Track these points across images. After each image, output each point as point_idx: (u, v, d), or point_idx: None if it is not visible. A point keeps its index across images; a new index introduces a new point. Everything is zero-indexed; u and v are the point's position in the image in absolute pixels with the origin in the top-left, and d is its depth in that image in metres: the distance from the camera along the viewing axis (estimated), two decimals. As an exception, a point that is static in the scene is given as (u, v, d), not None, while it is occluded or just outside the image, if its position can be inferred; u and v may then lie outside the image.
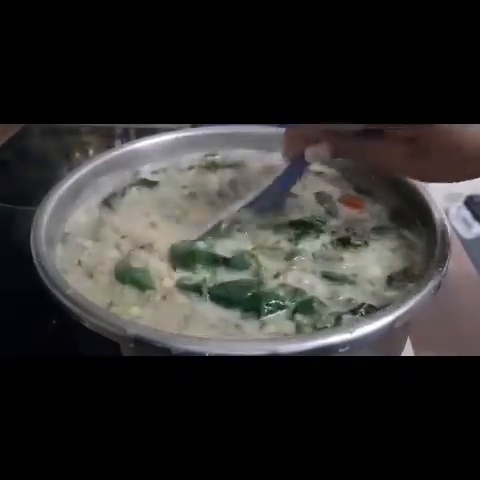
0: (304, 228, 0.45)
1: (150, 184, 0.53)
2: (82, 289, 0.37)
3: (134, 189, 0.52)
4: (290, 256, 0.43)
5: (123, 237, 0.45)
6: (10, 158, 0.86)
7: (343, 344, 0.32)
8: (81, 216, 0.49)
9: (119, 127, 0.89)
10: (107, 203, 0.50)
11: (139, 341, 0.32)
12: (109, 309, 0.38)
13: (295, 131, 0.46)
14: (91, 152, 0.86)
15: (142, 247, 0.44)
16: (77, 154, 0.87)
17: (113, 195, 0.51)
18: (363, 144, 0.42)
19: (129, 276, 0.40)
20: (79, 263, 0.43)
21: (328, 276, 0.41)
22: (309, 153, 0.45)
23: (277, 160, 0.51)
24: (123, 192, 0.51)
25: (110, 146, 0.67)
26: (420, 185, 0.47)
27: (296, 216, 0.47)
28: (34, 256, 0.38)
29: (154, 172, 0.55)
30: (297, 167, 0.47)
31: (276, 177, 0.48)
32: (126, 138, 0.87)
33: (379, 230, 0.46)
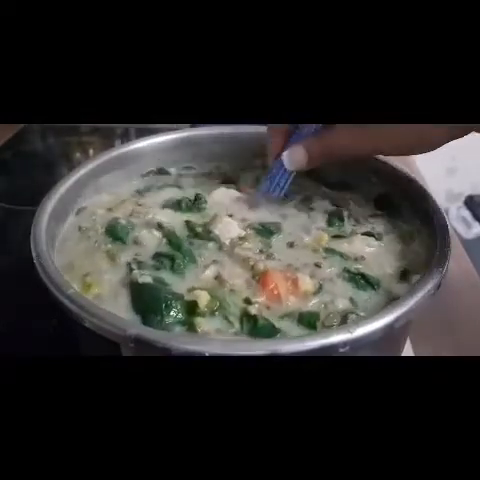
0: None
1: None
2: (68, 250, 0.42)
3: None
4: None
5: (138, 213, 0.47)
6: (10, 158, 0.86)
7: (343, 344, 0.32)
8: (104, 196, 0.50)
9: (119, 127, 0.89)
10: (139, 192, 0.52)
11: (139, 341, 0.32)
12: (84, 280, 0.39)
13: (278, 129, 0.45)
14: (91, 152, 0.86)
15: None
16: (77, 154, 0.87)
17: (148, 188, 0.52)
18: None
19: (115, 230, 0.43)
20: (80, 229, 0.45)
21: None
22: (286, 159, 0.44)
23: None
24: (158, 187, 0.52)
25: (110, 146, 0.67)
26: (420, 185, 0.47)
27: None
28: (34, 256, 0.38)
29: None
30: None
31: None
32: (126, 138, 0.87)
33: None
